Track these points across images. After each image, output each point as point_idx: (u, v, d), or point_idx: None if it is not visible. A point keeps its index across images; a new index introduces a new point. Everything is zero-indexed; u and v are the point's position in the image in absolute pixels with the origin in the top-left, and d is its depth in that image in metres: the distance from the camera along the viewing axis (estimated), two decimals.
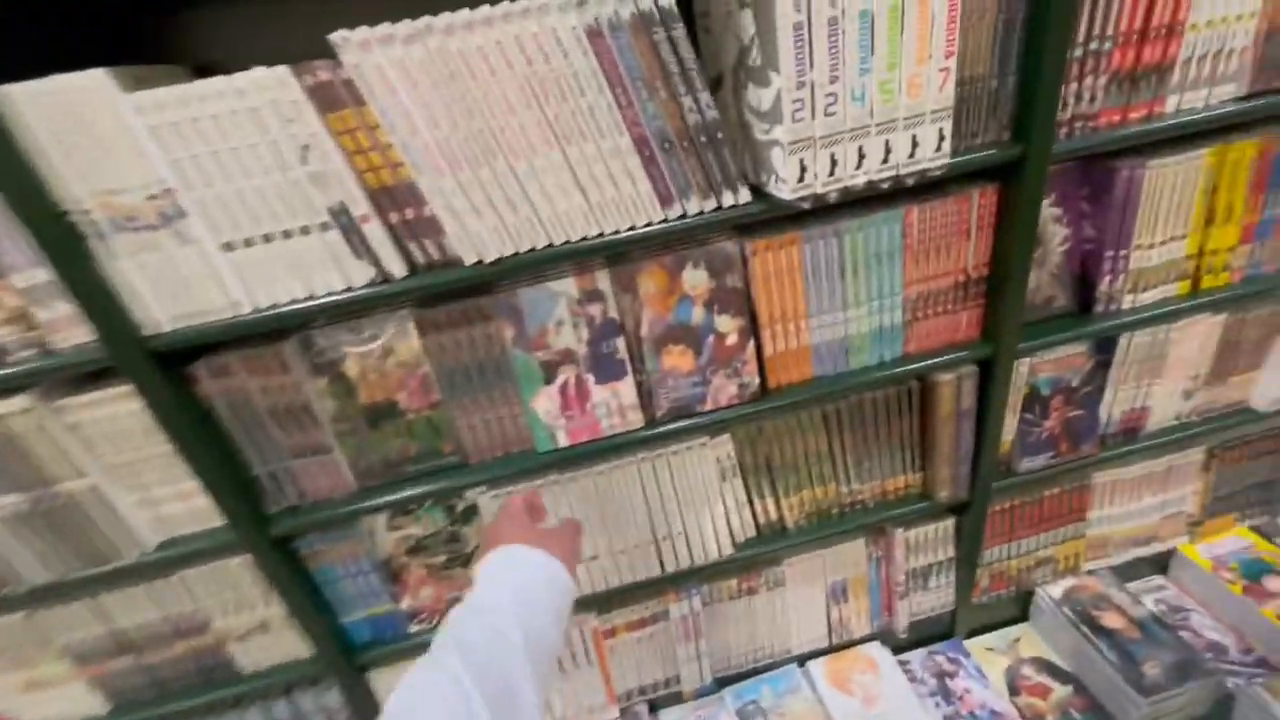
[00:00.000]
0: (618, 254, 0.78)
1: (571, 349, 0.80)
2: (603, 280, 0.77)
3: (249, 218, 0.65)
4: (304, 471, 0.81)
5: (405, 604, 0.96)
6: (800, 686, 1.16)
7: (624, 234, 0.71)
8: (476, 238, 0.68)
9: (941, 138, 0.68)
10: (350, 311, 0.77)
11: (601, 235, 0.71)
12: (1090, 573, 1.23)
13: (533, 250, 0.70)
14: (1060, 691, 1.13)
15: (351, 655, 0.96)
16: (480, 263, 0.70)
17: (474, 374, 0.79)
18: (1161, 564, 1.29)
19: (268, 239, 0.67)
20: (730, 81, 0.75)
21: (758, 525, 1.02)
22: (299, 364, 0.76)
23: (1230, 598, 1.16)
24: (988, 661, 1.20)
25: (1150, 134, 0.78)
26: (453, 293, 0.77)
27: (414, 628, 0.97)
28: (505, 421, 0.84)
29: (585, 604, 1.01)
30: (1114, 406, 1.04)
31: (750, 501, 0.99)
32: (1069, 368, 0.99)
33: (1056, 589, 1.20)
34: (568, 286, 0.77)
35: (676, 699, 1.17)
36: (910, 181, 0.71)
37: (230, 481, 0.78)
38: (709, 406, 0.85)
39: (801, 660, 1.20)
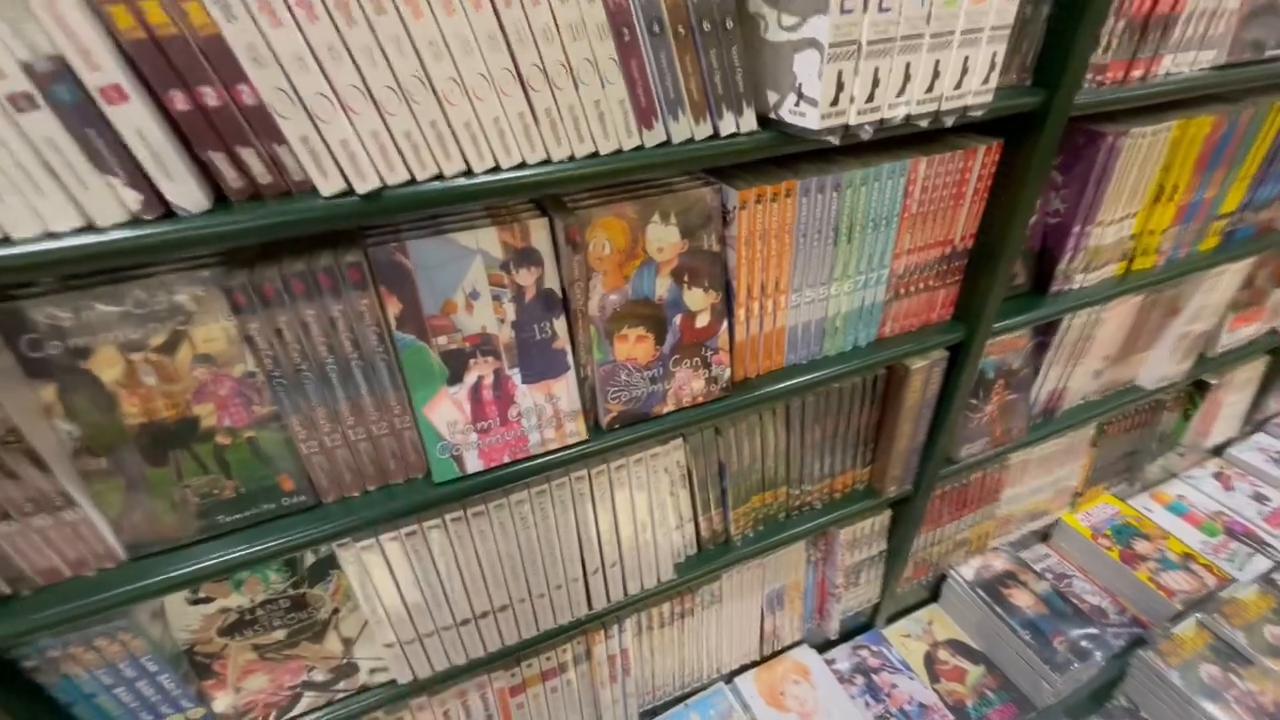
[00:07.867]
0: (560, 194, 0.55)
1: (489, 333, 0.55)
2: (539, 234, 0.53)
3: None
4: (20, 542, 0.48)
5: (222, 704, 0.65)
6: (732, 710, 1.02)
7: (579, 164, 0.47)
8: (341, 149, 0.40)
9: (992, 66, 0.53)
10: (99, 270, 0.45)
11: (548, 161, 0.46)
12: (994, 549, 1.24)
13: (439, 178, 0.44)
14: (974, 672, 1.13)
15: None
16: (347, 193, 0.42)
17: (331, 372, 0.51)
18: (1044, 534, 1.35)
19: None
20: None
21: (700, 540, 0.85)
22: None
23: (1109, 563, 1.23)
24: (906, 649, 1.16)
25: (1144, 97, 0.71)
26: (296, 241, 0.48)
27: None
28: (381, 440, 0.56)
29: (489, 662, 0.77)
30: (1043, 388, 1.01)
31: (695, 515, 0.82)
32: (1012, 350, 0.94)
33: (968, 570, 1.20)
34: (486, 241, 0.51)
35: None
36: (949, 121, 0.55)
37: None
38: (668, 408, 0.65)
39: (729, 676, 1.07)
